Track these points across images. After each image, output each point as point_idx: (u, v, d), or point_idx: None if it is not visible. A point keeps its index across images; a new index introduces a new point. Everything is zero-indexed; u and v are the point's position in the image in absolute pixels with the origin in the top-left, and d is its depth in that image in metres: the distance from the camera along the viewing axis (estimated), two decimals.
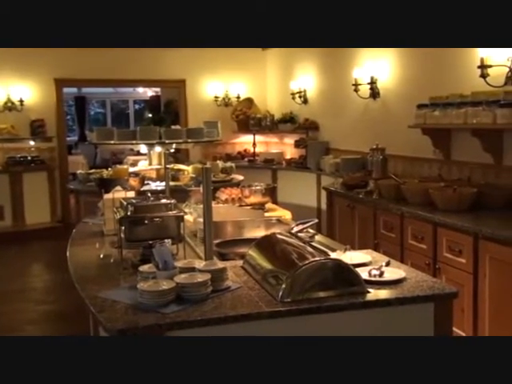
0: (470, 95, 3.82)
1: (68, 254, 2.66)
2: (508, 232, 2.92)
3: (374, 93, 5.45)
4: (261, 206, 3.86)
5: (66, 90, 8.74)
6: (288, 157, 7.68)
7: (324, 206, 5.54)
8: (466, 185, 3.88)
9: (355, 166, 5.51)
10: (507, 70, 3.61)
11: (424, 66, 4.68)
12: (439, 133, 4.29)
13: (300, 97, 7.25)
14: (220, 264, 2.12)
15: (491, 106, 3.54)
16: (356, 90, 5.64)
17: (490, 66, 3.69)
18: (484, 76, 3.73)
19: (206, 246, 2.31)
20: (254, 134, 8.12)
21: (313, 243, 2.72)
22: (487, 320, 3.03)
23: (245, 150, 8.40)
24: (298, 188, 7.00)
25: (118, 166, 5.08)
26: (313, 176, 6.66)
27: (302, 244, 2.25)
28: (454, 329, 3.14)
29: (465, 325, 3.17)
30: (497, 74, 3.69)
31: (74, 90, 13.44)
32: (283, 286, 1.92)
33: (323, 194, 5.55)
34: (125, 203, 2.47)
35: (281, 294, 1.91)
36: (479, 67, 3.72)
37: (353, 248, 3.28)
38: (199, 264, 2.09)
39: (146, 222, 2.35)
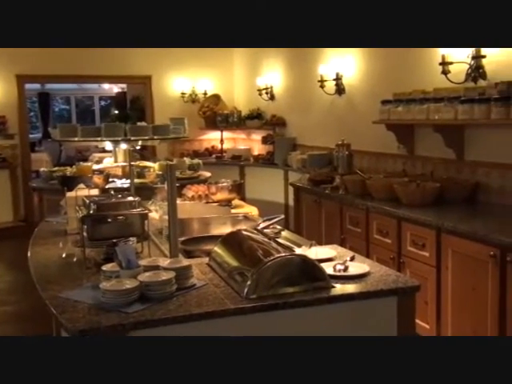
0: (432, 91, 3.90)
1: (29, 253, 2.60)
2: (468, 226, 2.99)
3: (340, 89, 5.50)
4: (227, 203, 3.85)
5: (29, 86, 8.54)
6: (256, 153, 7.69)
7: (291, 201, 5.57)
8: (429, 180, 3.95)
9: (322, 161, 5.56)
10: (467, 67, 3.68)
11: (388, 62, 4.75)
12: (403, 128, 4.36)
13: (267, 93, 7.26)
14: (185, 261, 2.11)
15: (452, 102, 3.62)
16: (322, 87, 5.68)
17: (451, 63, 3.77)
18: (445, 73, 3.80)
19: (171, 243, 2.28)
20: (222, 131, 8.09)
21: (279, 239, 2.73)
22: (450, 312, 3.10)
23: (212, 147, 8.37)
24: (265, 184, 7.02)
25: (82, 164, 4.98)
26: (280, 172, 6.69)
27: (268, 240, 2.25)
28: (418, 321, 3.22)
29: (428, 317, 3.24)
30: (457, 70, 3.76)
31: (37, 86, 13.15)
32: (248, 282, 1.91)
33: (291, 189, 5.58)
34: (87, 201, 2.43)
35: (246, 290, 1.90)
36: (440, 64, 3.80)
37: (320, 243, 3.31)
38: (164, 262, 2.07)
39: (110, 220, 2.31)
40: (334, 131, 5.56)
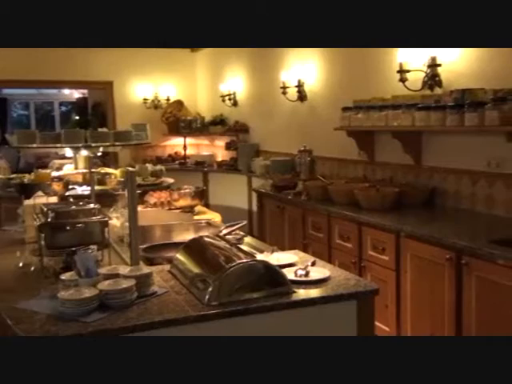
0: (391, 99, 3.99)
1: None
2: (426, 230, 3.07)
3: (302, 96, 5.56)
4: (190, 209, 3.84)
5: None
6: (219, 159, 7.69)
7: (255, 207, 5.59)
8: (389, 185, 4.04)
9: (284, 167, 5.60)
10: (424, 74, 3.78)
11: (348, 70, 4.83)
12: (363, 135, 4.44)
13: (230, 99, 7.28)
14: (146, 269, 2.09)
15: (410, 109, 3.71)
16: (284, 93, 5.73)
17: (408, 71, 3.87)
18: (403, 80, 3.89)
19: (132, 251, 2.26)
20: (185, 137, 8.06)
21: (241, 245, 2.75)
22: (409, 314, 3.16)
23: (175, 153, 8.33)
24: (229, 190, 7.02)
25: (41, 171, 4.87)
26: (244, 178, 6.71)
27: (229, 246, 2.26)
28: (379, 324, 3.28)
29: (388, 320, 3.30)
30: (415, 78, 3.86)
31: None
32: (210, 289, 1.92)
33: (254, 195, 5.61)
34: (45, 209, 2.38)
35: (207, 297, 1.90)
36: (398, 72, 3.89)
37: (283, 248, 3.35)
38: (124, 270, 2.05)
39: (68, 228, 2.27)
40: (296, 137, 5.62)
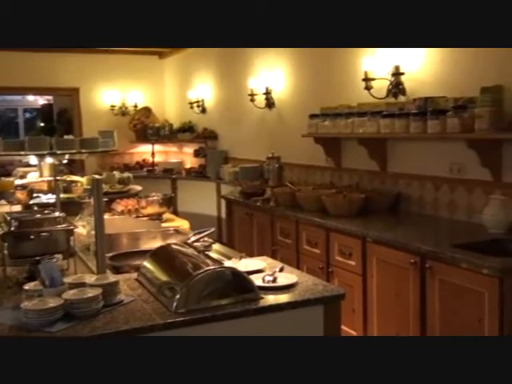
0: (357, 106, 4.06)
1: None
2: (391, 235, 3.13)
3: (270, 103, 5.61)
4: (158, 217, 3.83)
5: None
6: (188, 166, 7.67)
7: (224, 214, 5.59)
8: (355, 191, 4.10)
9: (253, 174, 5.62)
10: (388, 83, 3.87)
11: (315, 77, 4.90)
12: (330, 142, 4.50)
13: (198, 106, 7.28)
14: (112, 277, 2.07)
15: (375, 117, 3.78)
16: (252, 100, 5.77)
17: (373, 79, 3.94)
18: (368, 88, 3.97)
19: (98, 259, 2.24)
20: (153, 144, 8.02)
21: (209, 252, 2.75)
22: (375, 317, 3.21)
23: (143, 160, 8.28)
24: (198, 197, 7.01)
25: (4, 179, 4.77)
26: (212, 185, 6.71)
27: (197, 254, 2.26)
28: (346, 328, 3.32)
29: (355, 323, 3.34)
30: (379, 86, 3.94)
31: None
32: (177, 296, 1.91)
33: (223, 202, 5.61)
34: (8, 218, 2.34)
35: (175, 304, 1.90)
36: (364, 80, 3.96)
37: (252, 255, 3.36)
38: (90, 279, 2.03)
39: (32, 237, 2.24)
40: (264, 144, 5.65)
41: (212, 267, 2.02)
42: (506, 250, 2.84)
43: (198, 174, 7.08)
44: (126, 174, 5.99)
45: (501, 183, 3.17)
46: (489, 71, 3.18)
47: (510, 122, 2.94)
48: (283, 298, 2.05)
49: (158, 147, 8.17)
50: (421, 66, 3.69)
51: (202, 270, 1.98)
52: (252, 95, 5.75)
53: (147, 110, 8.17)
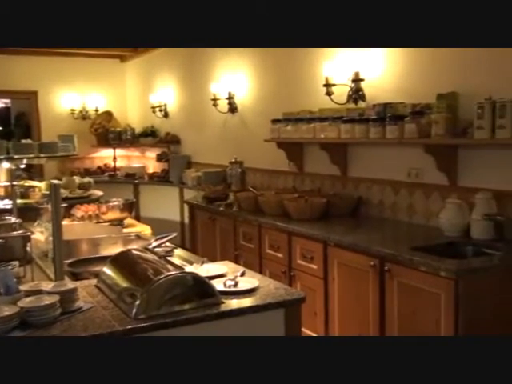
0: (318, 111, 4.11)
1: None
2: (351, 238, 3.17)
3: (232, 108, 5.62)
4: (119, 222, 3.78)
5: None
6: (150, 171, 7.60)
7: (187, 219, 5.56)
8: (317, 195, 4.14)
9: (216, 179, 5.62)
10: (348, 89, 3.93)
11: (277, 82, 4.94)
12: (292, 146, 4.54)
13: (161, 110, 7.23)
14: (71, 284, 2.03)
15: (336, 122, 3.84)
16: (215, 105, 5.77)
17: (334, 85, 4.00)
18: (329, 94, 4.03)
19: (56, 266, 2.20)
20: (115, 148, 7.92)
21: (171, 257, 2.73)
22: (336, 320, 3.25)
23: (105, 165, 8.16)
24: (160, 202, 6.96)
25: None
26: (175, 190, 6.67)
27: (158, 259, 2.24)
28: (308, 331, 3.36)
29: (317, 327, 3.37)
30: (340, 92, 4.00)
31: None
32: (137, 302, 1.89)
33: (186, 207, 5.58)
34: None
35: (135, 311, 1.88)
36: (324, 86, 4.02)
37: (214, 260, 3.36)
38: (47, 286, 1.99)
39: None
40: (227, 149, 5.66)
41: (173, 272, 2.01)
42: (461, 252, 2.93)
43: (161, 178, 7.03)
44: (87, 179, 5.90)
45: (456, 187, 3.27)
46: (444, 79, 3.27)
47: (465, 127, 3.03)
48: (244, 302, 2.05)
49: (119, 152, 8.08)
50: (380, 73, 3.77)
51: (162, 276, 1.96)
52: (215, 100, 5.75)
53: (108, 114, 8.07)
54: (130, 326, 1.81)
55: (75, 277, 2.43)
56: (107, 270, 2.25)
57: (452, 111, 3.10)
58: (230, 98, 5.59)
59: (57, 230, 2.18)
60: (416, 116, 3.22)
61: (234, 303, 2.03)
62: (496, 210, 2.94)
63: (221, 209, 4.59)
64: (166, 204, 6.84)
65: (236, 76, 5.54)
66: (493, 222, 2.92)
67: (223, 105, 5.71)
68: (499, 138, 2.75)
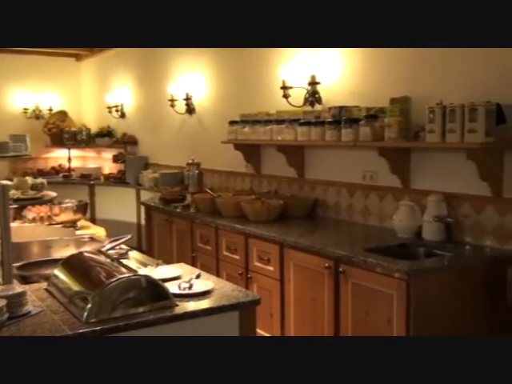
0: (275, 114, 4.13)
1: None
2: (307, 240, 3.20)
3: (190, 109, 5.58)
4: (73, 224, 3.70)
5: None
6: (106, 172, 7.47)
7: (144, 221, 5.49)
8: (274, 197, 4.16)
9: (173, 180, 5.57)
10: (305, 91, 3.97)
11: (235, 84, 4.94)
12: (250, 148, 4.55)
13: (117, 111, 7.12)
14: (19, 288, 1.97)
15: (293, 124, 3.87)
16: (172, 106, 5.72)
17: (291, 88, 4.03)
18: (286, 96, 4.05)
19: (4, 269, 2.13)
20: (69, 149, 7.74)
21: (125, 260, 2.69)
22: (292, 321, 3.27)
23: (59, 165, 7.97)
24: (117, 203, 6.84)
25: None
26: (132, 191, 6.58)
27: (110, 262, 2.20)
28: (263, 332, 3.37)
29: (273, 328, 3.38)
30: (297, 95, 4.04)
31: None
32: (88, 306, 1.85)
33: (143, 209, 5.50)
34: None
35: (86, 314, 1.84)
36: (282, 88, 4.04)
37: (171, 262, 3.33)
38: None
39: None
40: (185, 150, 5.62)
41: (126, 275, 1.97)
42: (413, 253, 3.00)
43: (117, 179, 6.91)
44: (40, 180, 5.73)
45: (409, 190, 3.35)
46: (397, 83, 3.35)
47: (417, 131, 3.10)
48: (199, 304, 2.04)
49: (74, 152, 7.90)
50: (336, 77, 3.83)
51: (114, 279, 1.93)
52: (172, 100, 5.70)
53: (63, 114, 7.89)
54: (80, 331, 1.77)
55: (25, 280, 2.36)
56: (58, 273, 2.19)
57: (404, 115, 3.18)
58: (188, 99, 5.56)
59: (5, 232, 2.12)
60: (370, 119, 3.28)
61: (188, 306, 2.02)
62: (446, 212, 3.03)
63: (178, 210, 4.55)
64: (123, 206, 6.73)
65: (193, 77, 5.51)
66: (443, 223, 3.00)
67: (181, 106, 5.67)
68: (449, 142, 2.83)
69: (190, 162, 4.74)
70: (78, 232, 3.49)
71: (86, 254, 2.31)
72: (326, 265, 2.94)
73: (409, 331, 2.51)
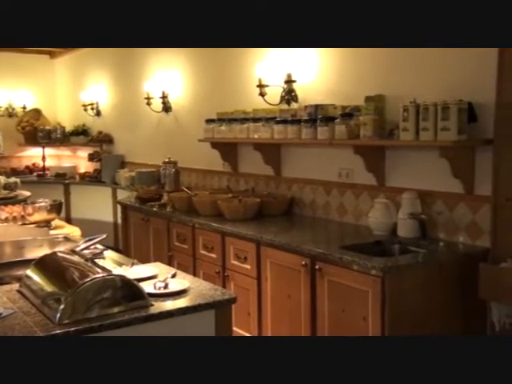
0: (252, 112, 4.13)
1: None
2: (284, 238, 3.20)
3: (166, 107, 5.55)
4: (47, 224, 3.64)
5: None
6: (82, 170, 7.38)
7: (120, 220, 5.43)
8: (251, 195, 4.16)
9: (150, 179, 5.53)
10: (281, 90, 3.98)
11: (212, 82, 4.92)
12: (226, 146, 4.54)
13: (92, 109, 7.03)
14: None
15: (269, 123, 3.87)
16: (149, 104, 5.67)
17: (267, 86, 4.04)
18: (262, 95, 4.05)
19: None
20: (44, 147, 7.63)
21: (100, 260, 2.66)
22: (269, 319, 3.28)
23: (33, 164, 7.84)
24: (93, 203, 6.77)
25: None
26: (108, 190, 6.51)
27: (84, 262, 2.17)
28: (241, 331, 3.38)
29: (251, 327, 3.39)
30: (273, 93, 4.04)
31: None
32: (61, 307, 1.82)
33: (119, 208, 5.45)
34: None
35: (59, 315, 1.81)
36: (258, 86, 4.04)
37: (148, 261, 3.31)
38: None
39: None
40: (161, 149, 5.58)
41: (100, 275, 1.95)
42: (389, 250, 3.04)
43: (93, 178, 6.84)
44: (13, 179, 5.66)
45: (384, 187, 3.38)
46: (372, 81, 3.38)
47: (392, 129, 3.13)
48: (174, 304, 2.02)
49: (49, 151, 7.79)
50: (312, 75, 3.84)
51: (88, 279, 1.90)
52: (148, 99, 5.65)
53: (37, 112, 7.76)
54: (53, 332, 1.74)
55: None
56: (31, 274, 2.16)
57: (379, 113, 3.21)
58: (164, 97, 5.52)
59: None
60: (345, 118, 3.30)
61: (164, 305, 2.00)
62: (420, 210, 3.07)
63: (154, 209, 4.52)
64: (99, 205, 6.66)
65: (170, 74, 5.47)
66: (417, 220, 3.04)
67: (157, 104, 5.63)
68: (423, 140, 2.87)
69: (167, 160, 4.71)
70: (52, 232, 3.44)
71: (60, 254, 2.28)
72: (303, 263, 2.95)
73: (384, 328, 2.54)
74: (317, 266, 2.87)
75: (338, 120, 3.33)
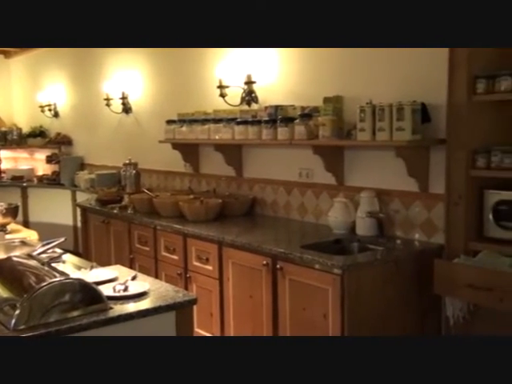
0: (213, 113, 4.13)
1: None
2: (245, 238, 3.22)
3: (126, 108, 5.48)
4: (2, 228, 3.55)
5: None
6: (40, 173, 7.21)
7: (80, 223, 5.34)
8: (213, 196, 4.16)
9: (111, 181, 5.46)
10: (242, 91, 3.99)
11: (172, 83, 4.89)
12: (188, 147, 4.53)
13: (50, 110, 6.89)
14: None
15: (230, 123, 3.88)
16: (108, 105, 5.59)
17: (228, 87, 4.05)
18: (223, 96, 4.06)
19: None
20: None
21: (58, 263, 2.61)
22: (232, 320, 3.28)
23: None
24: (51, 206, 6.63)
25: None
26: (67, 192, 6.39)
27: (41, 266, 2.14)
28: (203, 332, 3.38)
29: (213, 327, 3.39)
30: (234, 94, 4.05)
31: None
32: (17, 312, 1.79)
33: (79, 210, 5.36)
34: None
35: (14, 321, 1.77)
36: (218, 87, 4.05)
37: (109, 264, 3.27)
38: None
39: None
40: (122, 150, 5.52)
41: (57, 279, 1.92)
42: (348, 248, 3.09)
43: (52, 181, 6.69)
44: None
45: (343, 187, 3.44)
46: (330, 82, 3.43)
47: (349, 129, 3.19)
48: (134, 306, 2.01)
49: (5, 153, 7.57)
50: (272, 76, 3.87)
51: (45, 283, 1.87)
52: (108, 99, 5.58)
53: None
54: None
55: None
56: None
57: (337, 114, 3.26)
58: (124, 98, 5.45)
59: None
60: (305, 118, 3.34)
61: (123, 308, 1.99)
62: (378, 208, 3.14)
63: (115, 212, 4.46)
64: (58, 208, 6.52)
65: (129, 74, 5.41)
66: (375, 219, 3.11)
67: (117, 105, 5.56)
68: (379, 140, 2.93)
69: (127, 162, 4.65)
70: (7, 236, 3.36)
71: (15, 259, 2.24)
72: (264, 262, 2.97)
73: (343, 324, 2.58)
74: (278, 266, 2.90)
75: (297, 121, 3.37)
